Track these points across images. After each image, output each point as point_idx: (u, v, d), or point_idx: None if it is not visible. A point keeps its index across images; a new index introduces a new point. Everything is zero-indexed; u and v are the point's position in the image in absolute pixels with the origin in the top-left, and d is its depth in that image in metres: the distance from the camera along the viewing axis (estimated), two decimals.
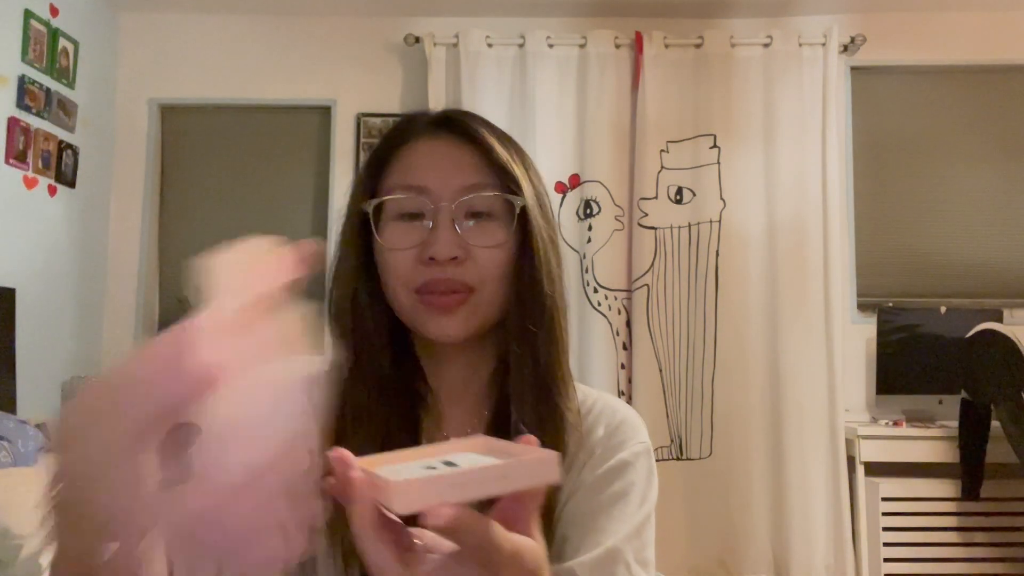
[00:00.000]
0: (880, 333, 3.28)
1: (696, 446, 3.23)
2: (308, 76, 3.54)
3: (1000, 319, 3.11)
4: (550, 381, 0.78)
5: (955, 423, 2.88)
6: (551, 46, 3.39)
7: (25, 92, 2.90)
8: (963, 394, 2.84)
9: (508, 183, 0.79)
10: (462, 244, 0.76)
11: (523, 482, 0.45)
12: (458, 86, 3.34)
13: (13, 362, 2.79)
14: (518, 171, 0.79)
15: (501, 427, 0.78)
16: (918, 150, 3.53)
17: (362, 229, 0.81)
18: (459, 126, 0.81)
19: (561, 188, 3.33)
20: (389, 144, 0.83)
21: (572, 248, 3.31)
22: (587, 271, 3.29)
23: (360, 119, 3.50)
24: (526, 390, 0.77)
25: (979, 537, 2.95)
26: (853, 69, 3.53)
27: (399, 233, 0.78)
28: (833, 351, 3.21)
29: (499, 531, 0.45)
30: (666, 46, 3.37)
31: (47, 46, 3.02)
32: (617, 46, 3.38)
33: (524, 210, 0.78)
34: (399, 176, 0.80)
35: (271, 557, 0.39)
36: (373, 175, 0.82)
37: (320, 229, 3.47)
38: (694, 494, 3.20)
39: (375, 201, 0.79)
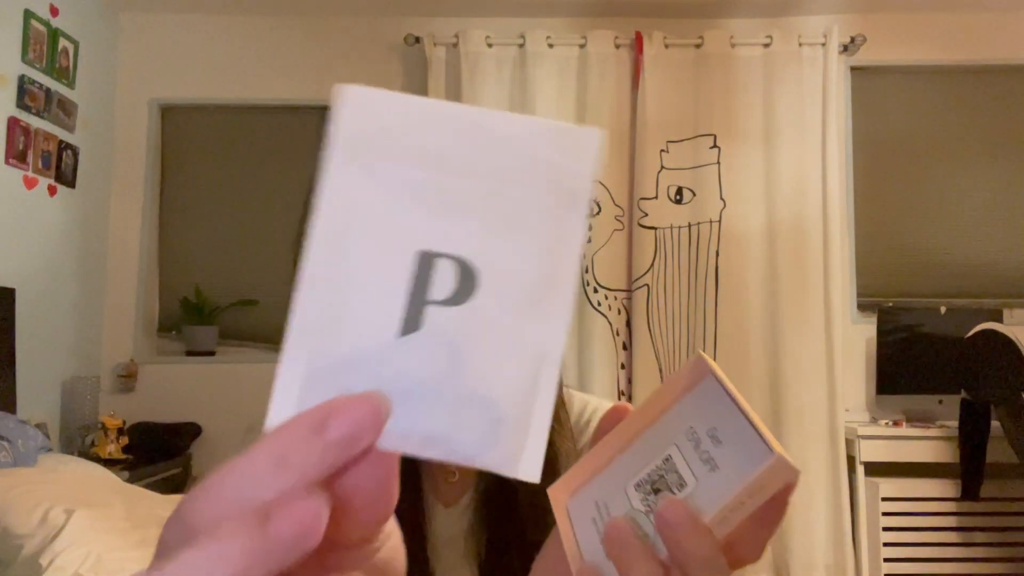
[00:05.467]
0: (880, 333, 3.28)
1: None
2: (308, 76, 3.54)
3: (1000, 319, 3.11)
4: None
5: (955, 423, 2.88)
6: (551, 46, 3.38)
7: (25, 92, 2.89)
8: (963, 394, 2.84)
9: None
10: None
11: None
12: (458, 86, 3.34)
13: (13, 362, 2.79)
14: None
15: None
16: (918, 150, 3.53)
17: None
18: None
19: None
20: None
21: None
22: (587, 271, 3.29)
23: None
24: None
25: (979, 537, 2.95)
26: (853, 69, 3.52)
27: None
28: (833, 351, 3.21)
29: None
30: (666, 46, 3.37)
31: (47, 46, 3.02)
32: (617, 46, 3.38)
33: None
34: None
35: None
36: None
37: None
38: None
39: None
